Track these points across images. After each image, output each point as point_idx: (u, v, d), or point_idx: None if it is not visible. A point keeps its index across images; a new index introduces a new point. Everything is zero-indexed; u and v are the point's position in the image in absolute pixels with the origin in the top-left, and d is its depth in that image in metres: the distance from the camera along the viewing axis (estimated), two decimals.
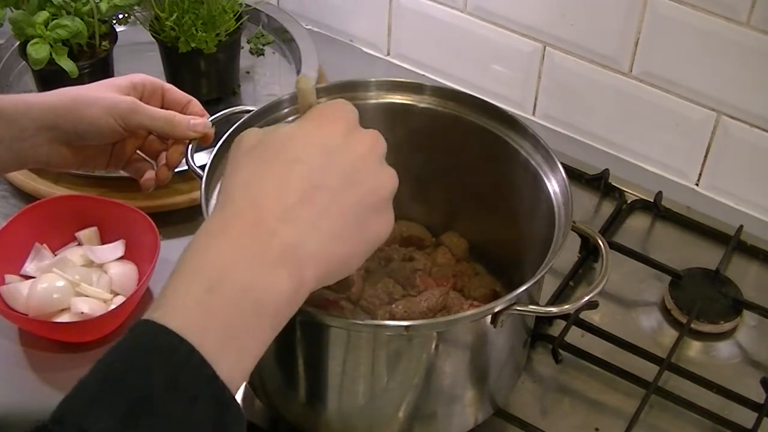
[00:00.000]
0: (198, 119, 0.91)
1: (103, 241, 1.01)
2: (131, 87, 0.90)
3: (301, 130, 0.64)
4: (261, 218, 0.59)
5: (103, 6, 1.11)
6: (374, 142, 0.65)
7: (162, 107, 0.91)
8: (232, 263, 0.57)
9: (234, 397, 0.55)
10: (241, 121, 0.88)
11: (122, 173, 1.07)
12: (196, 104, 0.93)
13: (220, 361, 0.54)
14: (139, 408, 0.51)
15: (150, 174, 0.93)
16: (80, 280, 0.95)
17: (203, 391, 0.53)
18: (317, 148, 0.63)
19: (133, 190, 1.07)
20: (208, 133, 0.90)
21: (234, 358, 0.56)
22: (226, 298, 0.56)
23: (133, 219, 0.99)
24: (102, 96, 0.88)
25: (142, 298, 0.97)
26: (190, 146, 0.89)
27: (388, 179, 0.66)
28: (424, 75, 1.31)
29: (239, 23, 1.17)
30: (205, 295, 0.56)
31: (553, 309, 0.81)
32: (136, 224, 0.99)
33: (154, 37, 1.16)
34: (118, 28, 1.19)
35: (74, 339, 0.94)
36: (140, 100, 0.90)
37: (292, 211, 0.60)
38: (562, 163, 0.85)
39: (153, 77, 0.92)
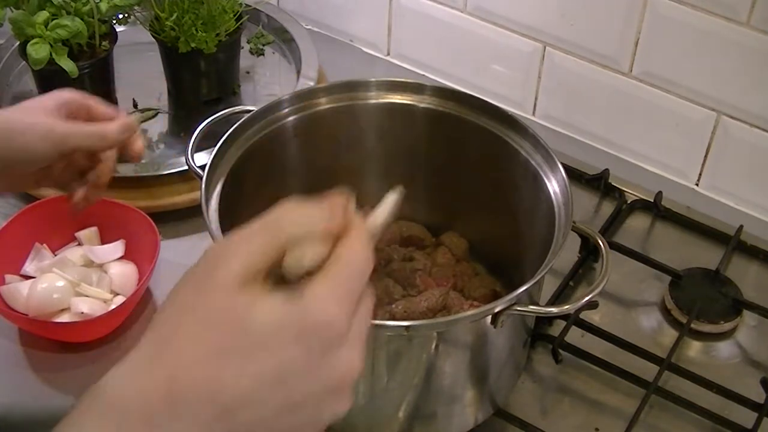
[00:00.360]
0: (124, 119, 0.87)
1: (103, 241, 1.01)
2: (60, 106, 0.86)
3: (272, 334, 0.50)
4: (173, 404, 0.49)
5: (103, 6, 1.11)
6: (344, 380, 0.52)
7: (89, 121, 0.87)
8: None
9: None
10: (241, 121, 0.88)
11: (121, 173, 1.07)
12: (123, 116, 0.88)
13: None
14: None
15: (80, 193, 0.89)
16: (80, 280, 0.95)
17: None
18: (274, 364, 0.50)
19: (133, 190, 1.07)
20: (135, 140, 0.87)
21: None
22: None
23: (133, 219, 0.99)
24: (35, 122, 0.83)
25: (142, 298, 0.97)
26: (190, 146, 0.89)
27: (336, 411, 0.53)
28: (424, 75, 1.31)
29: (239, 23, 1.17)
30: None
31: (553, 309, 0.81)
32: (136, 224, 0.99)
33: (154, 37, 1.16)
34: (118, 28, 1.19)
35: (74, 339, 0.94)
36: (69, 117, 0.85)
37: (206, 419, 0.49)
38: (562, 163, 0.85)
39: (78, 92, 0.88)
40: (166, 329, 0.52)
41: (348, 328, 0.52)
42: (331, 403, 0.52)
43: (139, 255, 0.99)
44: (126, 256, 1.00)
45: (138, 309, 0.96)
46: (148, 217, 0.99)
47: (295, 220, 0.55)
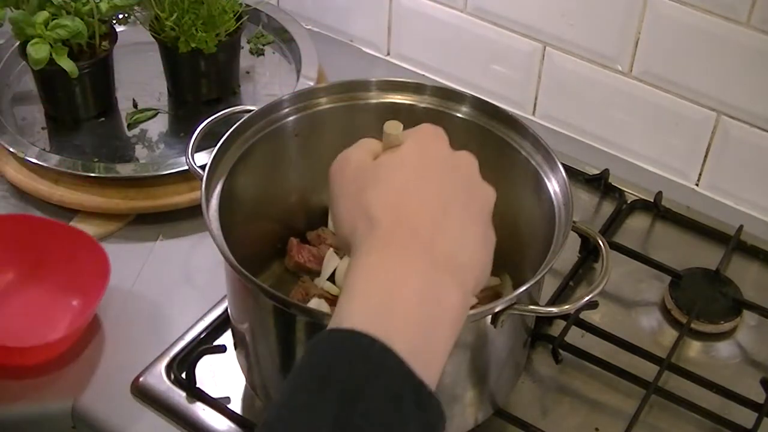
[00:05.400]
0: None
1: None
2: None
3: (412, 154, 0.66)
4: (415, 233, 0.60)
5: (103, 6, 1.11)
6: (473, 160, 0.68)
7: None
8: (403, 277, 0.58)
9: (434, 392, 0.55)
10: (241, 121, 0.88)
11: (121, 173, 1.07)
12: None
13: (411, 364, 0.54)
14: (348, 409, 0.51)
15: None
16: None
17: (404, 388, 0.53)
18: (434, 168, 0.65)
19: (133, 190, 1.07)
20: None
21: (423, 364, 0.55)
22: (405, 309, 0.56)
23: (81, 244, 0.98)
24: None
25: (88, 327, 0.95)
26: (190, 146, 0.89)
27: (491, 192, 0.68)
28: (424, 75, 1.31)
29: (239, 23, 1.17)
30: (385, 308, 0.56)
31: (554, 309, 0.81)
32: (84, 250, 0.97)
33: (154, 37, 1.16)
34: (118, 28, 1.19)
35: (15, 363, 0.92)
36: None
37: (440, 225, 0.61)
38: (562, 163, 0.85)
39: None
40: (362, 208, 0.63)
41: (448, 143, 0.68)
42: (483, 187, 0.67)
43: (85, 283, 0.96)
44: (69, 284, 0.98)
45: (83, 339, 0.95)
46: (97, 242, 0.97)
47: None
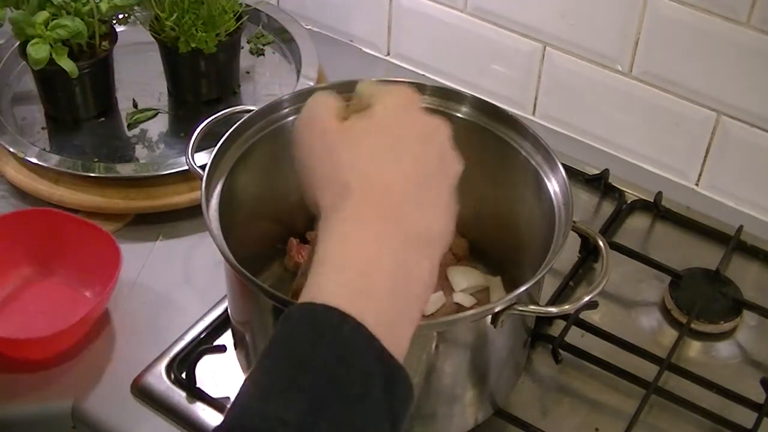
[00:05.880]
0: None
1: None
2: None
3: (386, 119, 0.65)
4: (389, 206, 0.61)
5: (103, 6, 1.11)
6: (446, 128, 0.68)
7: None
8: (377, 251, 0.59)
9: (403, 367, 0.56)
10: (241, 121, 0.88)
11: (121, 173, 1.07)
12: None
13: (382, 340, 0.55)
14: (321, 390, 0.52)
15: None
16: None
17: (375, 366, 0.54)
18: (409, 137, 0.65)
19: (133, 190, 1.07)
20: None
21: (393, 340, 0.56)
22: (378, 283, 0.58)
23: (92, 235, 0.98)
24: None
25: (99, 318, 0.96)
26: (190, 146, 0.89)
27: (460, 163, 0.68)
28: (424, 75, 1.31)
29: (239, 23, 1.17)
30: (358, 281, 0.57)
31: (553, 309, 0.81)
32: (96, 241, 0.98)
33: (154, 37, 1.16)
34: (118, 28, 1.19)
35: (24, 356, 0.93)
36: None
37: (413, 198, 0.62)
38: (562, 163, 0.85)
39: None
40: (330, 174, 0.64)
41: (420, 105, 0.68)
42: (451, 154, 0.67)
43: (97, 273, 0.97)
44: (81, 276, 0.99)
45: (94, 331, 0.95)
46: (109, 234, 0.98)
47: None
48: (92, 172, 1.07)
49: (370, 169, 0.63)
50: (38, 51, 1.07)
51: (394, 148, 0.64)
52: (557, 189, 0.84)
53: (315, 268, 0.58)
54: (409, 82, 0.90)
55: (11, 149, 1.09)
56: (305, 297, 0.57)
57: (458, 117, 0.92)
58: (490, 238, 0.97)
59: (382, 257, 0.59)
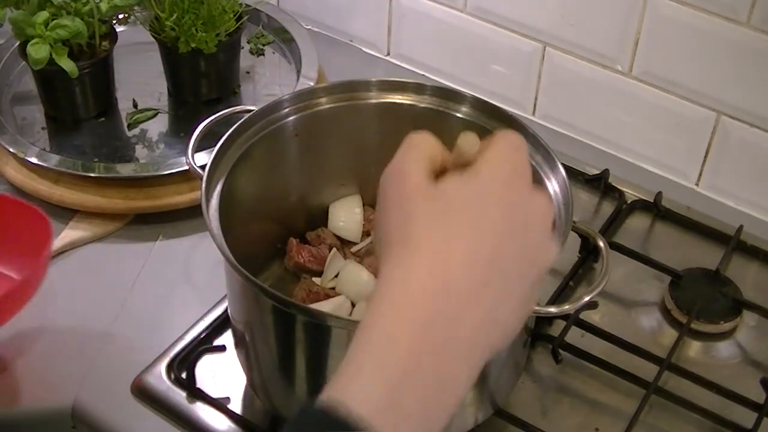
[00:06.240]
0: None
1: None
2: None
3: (485, 188, 0.58)
4: (448, 299, 0.54)
5: (103, 6, 1.11)
6: (550, 210, 0.61)
7: None
8: (422, 353, 0.53)
9: None
10: (241, 121, 0.88)
11: (121, 173, 1.07)
12: None
13: None
14: None
15: None
16: None
17: None
18: (503, 216, 0.57)
19: (133, 190, 1.07)
20: None
21: None
22: (415, 392, 0.53)
23: (21, 211, 0.97)
24: None
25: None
26: (191, 146, 0.89)
27: (555, 252, 0.61)
28: (424, 75, 1.31)
29: (239, 23, 1.17)
30: (395, 389, 0.52)
31: (553, 309, 0.81)
32: (23, 216, 0.96)
33: (154, 37, 1.16)
34: (118, 28, 1.19)
35: None
36: None
37: (478, 295, 0.55)
38: (562, 163, 0.85)
39: None
40: (399, 251, 0.57)
41: (530, 175, 0.60)
42: (548, 244, 0.60)
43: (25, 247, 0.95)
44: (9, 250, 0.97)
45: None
46: (37, 208, 0.96)
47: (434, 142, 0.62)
48: (92, 172, 1.07)
49: (438, 246, 0.56)
50: (38, 51, 1.07)
51: (479, 228, 0.56)
52: (557, 189, 0.84)
53: (354, 345, 0.54)
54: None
55: (11, 149, 1.09)
56: (337, 381, 0.52)
57: (458, 117, 0.92)
58: None
59: (422, 362, 0.53)
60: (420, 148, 0.61)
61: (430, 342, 0.54)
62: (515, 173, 0.59)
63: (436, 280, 0.55)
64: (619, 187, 1.13)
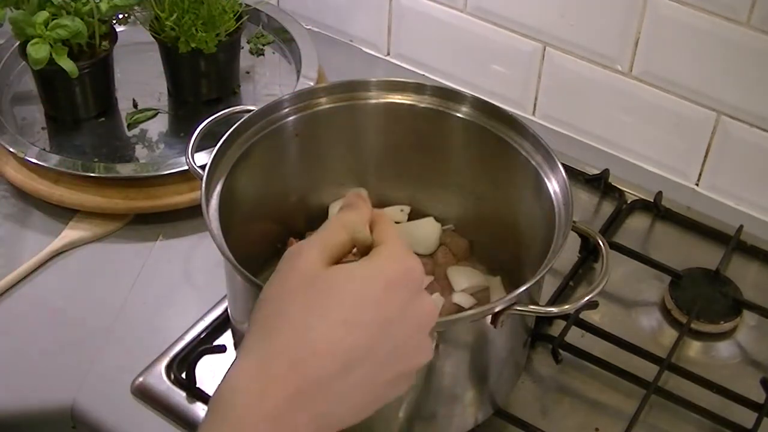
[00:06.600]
0: None
1: None
2: None
3: (366, 287, 0.58)
4: (299, 387, 0.55)
5: (103, 6, 1.11)
6: (432, 317, 0.61)
7: None
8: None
9: None
10: (241, 121, 0.88)
11: (121, 173, 1.07)
12: None
13: None
14: None
15: None
16: None
17: None
18: (377, 315, 0.58)
19: (133, 190, 1.07)
20: None
21: None
22: None
23: None
24: None
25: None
26: (190, 146, 0.89)
27: (428, 353, 0.62)
28: (424, 75, 1.31)
29: (239, 23, 1.17)
30: None
31: (553, 309, 0.81)
32: None
33: (154, 37, 1.16)
34: (118, 28, 1.19)
35: None
36: None
37: (330, 383, 0.56)
38: (562, 163, 0.85)
39: None
40: (270, 323, 0.58)
41: (421, 281, 0.60)
42: (422, 347, 0.60)
43: None
44: None
45: None
46: None
47: (348, 220, 0.63)
48: (92, 172, 1.07)
49: (299, 332, 0.56)
50: (38, 51, 1.07)
51: (345, 323, 0.57)
52: (557, 189, 0.84)
53: (204, 421, 0.56)
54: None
55: (11, 149, 1.09)
56: None
57: (458, 117, 0.92)
58: (490, 238, 0.97)
59: None
60: (332, 234, 0.62)
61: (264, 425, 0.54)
62: (404, 274, 0.59)
63: (292, 367, 0.55)
64: (619, 187, 1.13)
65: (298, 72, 1.22)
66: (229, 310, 0.91)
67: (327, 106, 0.93)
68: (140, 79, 1.23)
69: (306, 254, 0.60)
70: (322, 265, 0.60)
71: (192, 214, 1.06)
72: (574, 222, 0.82)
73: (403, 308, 0.59)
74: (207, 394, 0.89)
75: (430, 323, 0.61)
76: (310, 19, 1.37)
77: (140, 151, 1.13)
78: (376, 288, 0.58)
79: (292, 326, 0.57)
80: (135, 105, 1.19)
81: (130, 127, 1.16)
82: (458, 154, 0.95)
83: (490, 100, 0.91)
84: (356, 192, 0.66)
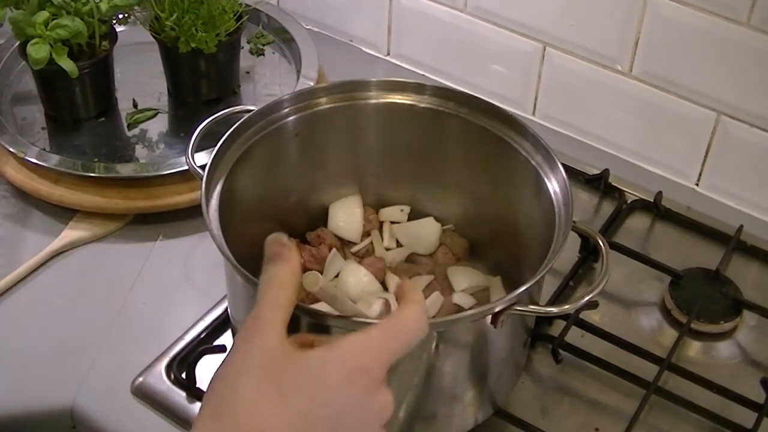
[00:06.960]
0: None
1: None
2: None
3: (325, 376, 0.57)
4: None
5: (103, 6, 1.11)
6: (389, 411, 0.61)
7: None
8: None
9: None
10: (241, 121, 0.88)
11: (121, 173, 1.07)
12: None
13: None
14: None
15: None
16: None
17: None
18: (334, 408, 0.57)
19: (133, 190, 1.07)
20: None
21: None
22: None
23: None
24: None
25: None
26: (190, 146, 0.89)
27: None
28: (424, 75, 1.31)
29: (239, 23, 1.17)
30: None
31: (553, 309, 0.81)
32: None
33: (154, 37, 1.16)
34: (118, 28, 1.19)
35: None
36: None
37: None
38: (562, 163, 0.85)
39: None
40: (224, 405, 0.56)
41: (384, 373, 0.59)
42: None
43: None
44: None
45: None
46: None
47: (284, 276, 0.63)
48: (92, 172, 1.07)
49: (250, 411, 0.56)
50: (38, 51, 1.07)
51: (299, 407, 0.56)
52: (557, 189, 0.84)
53: None
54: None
55: (11, 149, 1.09)
56: None
57: (458, 117, 0.92)
58: (490, 238, 0.97)
59: None
60: (278, 298, 0.61)
61: None
62: (362, 372, 0.59)
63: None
64: (619, 187, 1.13)
65: (298, 72, 1.22)
66: (229, 310, 0.91)
67: (327, 106, 0.93)
68: (140, 79, 1.23)
69: (263, 332, 0.59)
70: (279, 341, 0.58)
71: (192, 214, 1.06)
72: (574, 222, 0.82)
73: (361, 402, 0.58)
74: None
75: (386, 417, 0.60)
76: (310, 19, 1.37)
77: (140, 151, 1.13)
78: (334, 378, 0.57)
79: (244, 412, 0.56)
80: (135, 105, 1.19)
81: (130, 127, 1.16)
82: (458, 154, 0.95)
83: (490, 100, 0.91)
84: (277, 239, 0.64)
